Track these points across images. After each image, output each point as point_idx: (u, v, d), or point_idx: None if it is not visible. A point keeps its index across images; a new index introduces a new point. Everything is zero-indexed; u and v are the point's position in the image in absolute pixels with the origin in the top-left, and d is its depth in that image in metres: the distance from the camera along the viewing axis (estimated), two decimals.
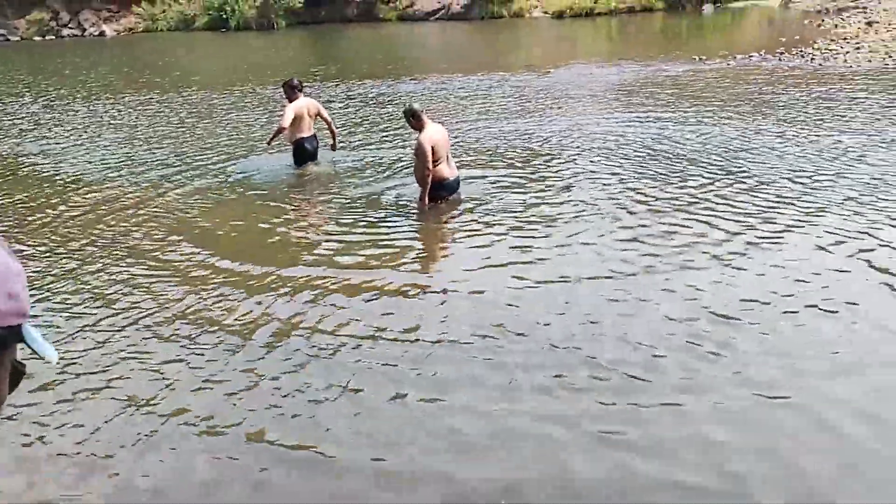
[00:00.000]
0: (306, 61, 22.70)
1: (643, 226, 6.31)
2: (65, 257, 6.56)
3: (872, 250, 5.54)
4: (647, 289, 5.13)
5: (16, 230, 7.42)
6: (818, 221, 6.19)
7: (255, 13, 34.51)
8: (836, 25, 19.79)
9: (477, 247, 6.18)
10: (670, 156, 8.52)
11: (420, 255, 6.19)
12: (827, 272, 5.23)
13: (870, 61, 14.32)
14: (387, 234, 6.59)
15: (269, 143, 9.32)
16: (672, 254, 5.69)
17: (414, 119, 7.10)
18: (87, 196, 8.48)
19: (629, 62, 16.36)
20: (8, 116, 14.53)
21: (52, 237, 7.11)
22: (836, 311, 4.65)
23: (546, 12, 30.74)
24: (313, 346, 4.64)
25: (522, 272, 5.57)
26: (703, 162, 8.19)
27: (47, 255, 6.65)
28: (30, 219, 7.77)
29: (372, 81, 16.04)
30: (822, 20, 21.26)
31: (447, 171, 7.26)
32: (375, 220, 7.00)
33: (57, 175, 9.61)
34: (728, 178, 7.52)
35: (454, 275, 5.65)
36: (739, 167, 7.90)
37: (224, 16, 35.09)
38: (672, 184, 7.45)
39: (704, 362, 4.16)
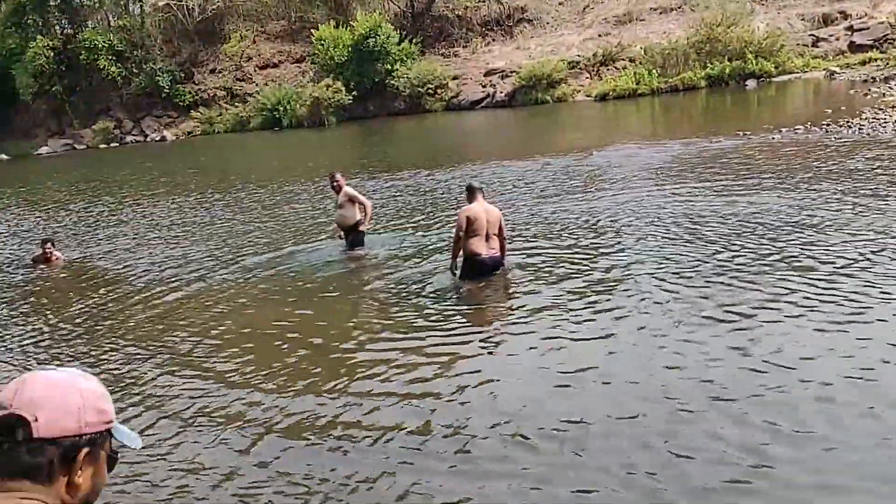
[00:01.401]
0: (355, 154, 23.42)
1: (694, 316, 6.15)
2: (124, 362, 6.78)
3: None
4: (694, 392, 4.90)
5: (79, 334, 7.71)
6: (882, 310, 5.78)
7: (307, 111, 35.82)
8: (883, 94, 19.65)
9: (515, 334, 6.21)
10: (719, 234, 8.45)
11: (452, 350, 6.13)
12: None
13: None
14: (424, 325, 6.71)
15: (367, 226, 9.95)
16: (724, 349, 5.42)
17: (468, 193, 7.87)
18: (143, 298, 8.80)
19: (674, 141, 16.45)
20: (73, 221, 15.25)
21: (111, 342, 7.37)
22: None
23: (589, 95, 31.22)
24: (339, 446, 4.69)
25: (552, 364, 5.53)
26: (756, 240, 8.05)
27: (105, 359, 6.89)
28: (94, 322, 8.08)
29: (415, 171, 16.43)
30: (869, 89, 21.14)
31: (481, 247, 7.59)
32: (416, 307, 7.11)
33: (118, 278, 10.01)
34: (784, 258, 7.31)
35: (487, 371, 5.63)
36: (794, 244, 7.72)
37: (277, 115, 36.52)
38: (722, 264, 7.37)
39: (765, 483, 3.86)
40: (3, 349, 7.47)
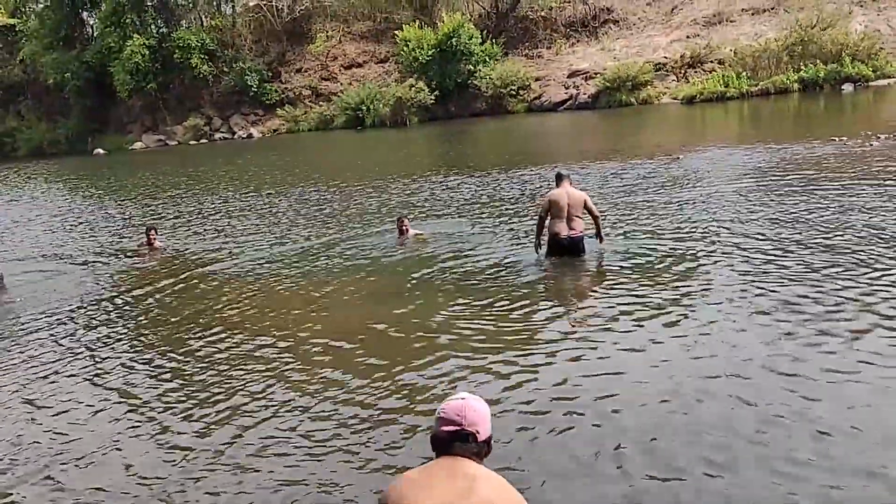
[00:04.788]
0: (437, 153, 23.73)
1: (782, 321, 6.15)
2: (219, 348, 7.19)
3: None
4: (776, 397, 4.95)
5: (180, 322, 8.19)
6: None
7: (389, 111, 36.39)
8: None
9: (592, 329, 6.31)
10: (811, 243, 8.32)
11: (532, 335, 6.38)
12: None
13: None
14: (500, 301, 6.89)
15: None
16: (814, 356, 5.39)
17: (556, 179, 8.76)
18: (235, 287, 9.25)
19: (764, 145, 16.14)
20: (169, 212, 16.01)
21: (211, 328, 7.80)
22: None
23: (675, 98, 30.79)
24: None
25: (617, 359, 5.67)
26: (849, 251, 7.84)
27: (201, 344, 7.31)
28: (192, 308, 8.55)
29: (496, 171, 16.58)
30: None
31: (560, 227, 8.39)
32: (495, 288, 7.28)
33: (213, 267, 10.51)
34: (877, 270, 7.12)
35: (556, 362, 5.79)
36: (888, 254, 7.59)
37: (360, 115, 37.21)
38: (814, 274, 7.29)
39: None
40: (115, 330, 7.99)
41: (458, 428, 2.57)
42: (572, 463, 4.31)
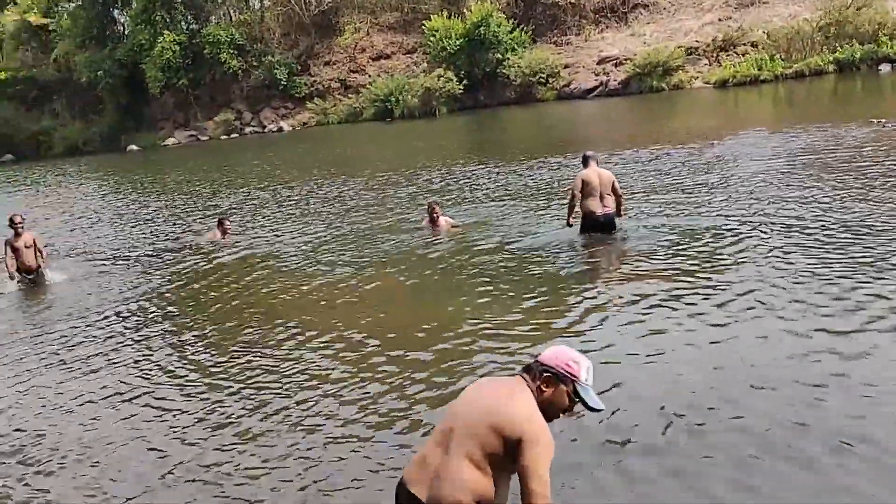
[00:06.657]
0: (467, 142, 23.66)
1: (817, 312, 5.99)
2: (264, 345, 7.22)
3: None
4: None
5: (224, 316, 8.24)
6: None
7: (418, 102, 36.37)
8: None
9: (616, 311, 6.23)
10: (852, 229, 8.13)
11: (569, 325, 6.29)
12: None
13: None
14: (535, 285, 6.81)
15: None
16: (854, 356, 5.17)
17: (583, 161, 9.14)
18: (275, 282, 9.29)
19: (801, 129, 15.82)
20: (209, 207, 16.14)
21: (257, 323, 7.84)
22: None
23: (707, 83, 30.35)
24: None
25: (639, 344, 5.67)
26: (879, 237, 7.66)
27: (248, 343, 7.34)
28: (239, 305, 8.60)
29: (527, 159, 16.44)
30: None
31: (595, 205, 8.78)
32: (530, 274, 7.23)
33: (269, 260, 10.56)
34: None
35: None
36: None
37: (389, 106, 37.24)
38: (853, 263, 7.14)
39: None
40: (145, 328, 8.06)
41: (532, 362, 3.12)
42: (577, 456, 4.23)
